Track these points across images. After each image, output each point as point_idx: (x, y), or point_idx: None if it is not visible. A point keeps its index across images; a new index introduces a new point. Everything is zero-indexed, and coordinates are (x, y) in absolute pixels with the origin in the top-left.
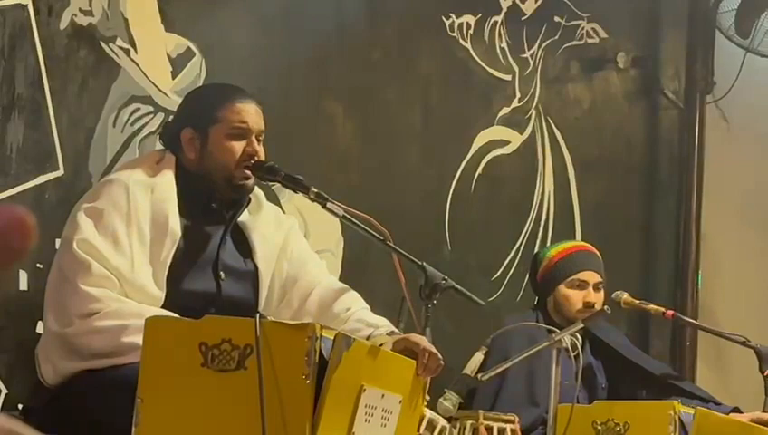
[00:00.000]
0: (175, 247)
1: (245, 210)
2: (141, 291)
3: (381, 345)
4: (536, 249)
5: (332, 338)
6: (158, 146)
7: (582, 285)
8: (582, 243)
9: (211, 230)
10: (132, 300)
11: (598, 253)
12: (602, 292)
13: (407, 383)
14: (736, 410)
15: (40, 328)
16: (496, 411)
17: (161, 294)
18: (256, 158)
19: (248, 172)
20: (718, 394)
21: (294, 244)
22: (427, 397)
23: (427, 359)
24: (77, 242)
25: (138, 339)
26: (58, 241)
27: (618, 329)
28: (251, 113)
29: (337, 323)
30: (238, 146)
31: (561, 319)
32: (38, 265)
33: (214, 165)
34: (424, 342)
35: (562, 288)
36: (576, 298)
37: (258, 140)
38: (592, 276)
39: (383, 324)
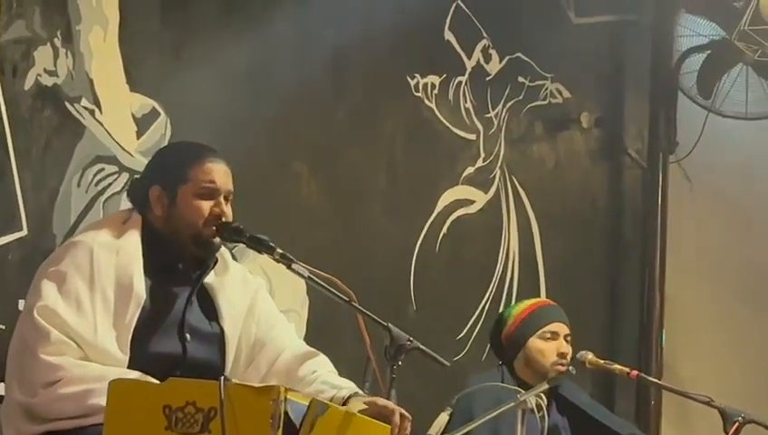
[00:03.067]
0: (139, 310)
1: (212, 271)
2: (104, 355)
3: (347, 406)
4: (501, 308)
5: (300, 401)
6: (125, 202)
7: (554, 336)
8: (546, 299)
9: (177, 291)
10: (95, 363)
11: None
12: (570, 346)
13: None
14: None
15: (1, 389)
16: None
17: (125, 358)
18: (224, 218)
19: (215, 230)
20: None
21: (262, 306)
22: None
23: (401, 421)
24: (37, 309)
25: (104, 401)
26: (21, 302)
27: (582, 388)
28: (220, 174)
29: (302, 386)
30: (206, 205)
31: (533, 374)
32: (0, 326)
33: (181, 223)
34: (391, 405)
35: (535, 342)
36: (550, 350)
37: (226, 200)
38: (563, 328)
39: (347, 386)
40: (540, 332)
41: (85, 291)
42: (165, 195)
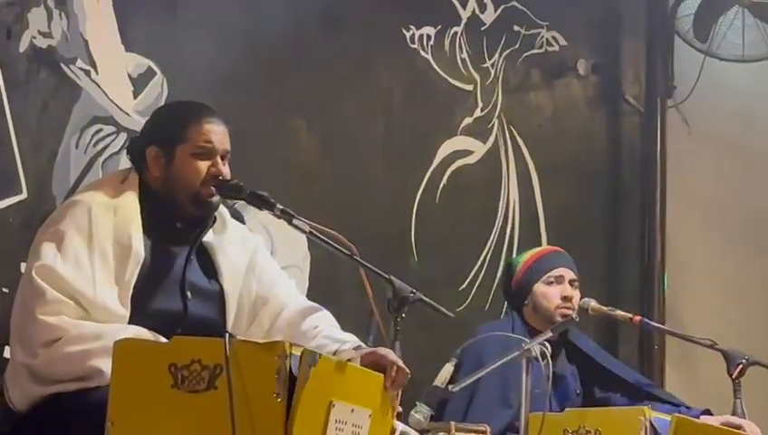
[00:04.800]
0: (139, 268)
1: (210, 230)
2: (105, 310)
3: (349, 360)
4: (503, 258)
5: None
6: (123, 162)
7: (559, 280)
8: (554, 247)
9: (176, 250)
10: (95, 320)
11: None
12: (578, 290)
13: (376, 397)
14: (707, 412)
15: (7, 353)
16: (470, 417)
17: (125, 314)
18: (221, 177)
19: (213, 190)
20: (686, 397)
21: (262, 263)
22: (399, 409)
23: (395, 372)
24: (35, 269)
25: (101, 362)
26: (23, 265)
27: (587, 335)
28: (217, 133)
29: (305, 341)
30: (203, 165)
31: (541, 320)
32: (3, 289)
33: (178, 183)
34: (391, 355)
35: (540, 286)
36: (554, 294)
37: (224, 160)
38: (568, 273)
39: (350, 340)
40: (545, 276)
41: (84, 249)
42: (162, 155)
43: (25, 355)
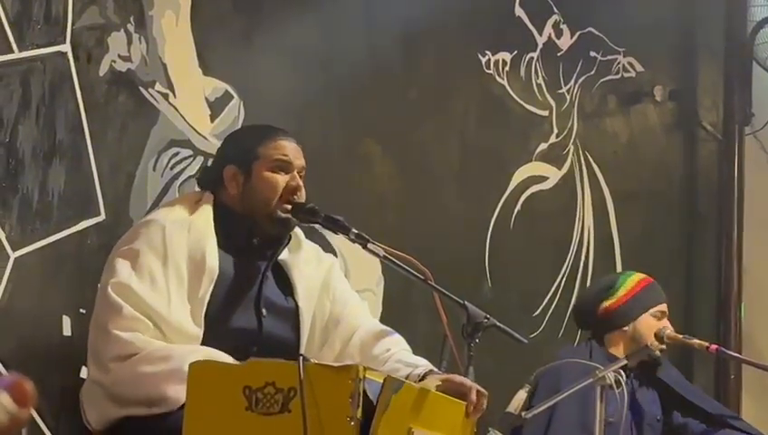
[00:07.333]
0: (213, 285)
1: (285, 249)
2: (178, 330)
3: (423, 383)
4: (577, 284)
5: (378, 380)
6: (197, 189)
7: (663, 314)
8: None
9: (252, 266)
10: (168, 339)
11: None
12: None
13: (455, 424)
14: None
15: (84, 373)
16: None
17: (199, 332)
18: (299, 193)
19: (289, 207)
20: (763, 427)
21: (336, 283)
22: None
23: (477, 397)
24: (111, 285)
25: (168, 389)
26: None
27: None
28: (291, 149)
29: (376, 365)
30: (281, 179)
31: (631, 349)
32: (81, 310)
33: (256, 200)
34: (468, 382)
35: (648, 319)
36: (658, 328)
37: (300, 176)
38: (666, 308)
39: (422, 364)
40: (653, 309)
41: (158, 267)
42: (240, 173)
43: (98, 371)
